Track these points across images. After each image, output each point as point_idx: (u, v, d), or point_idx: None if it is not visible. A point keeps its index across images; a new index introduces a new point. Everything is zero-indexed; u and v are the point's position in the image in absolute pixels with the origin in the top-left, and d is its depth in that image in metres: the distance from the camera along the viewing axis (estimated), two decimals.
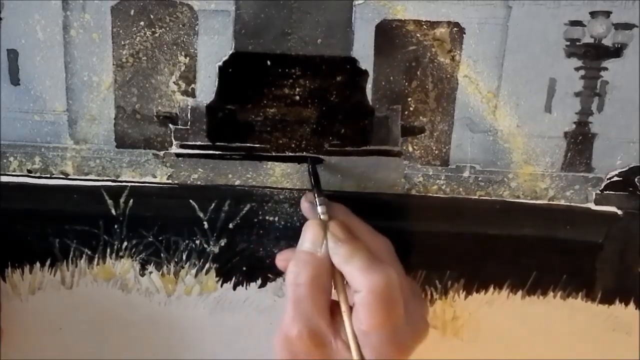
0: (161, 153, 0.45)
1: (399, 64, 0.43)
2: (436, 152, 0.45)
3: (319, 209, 0.41)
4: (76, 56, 0.44)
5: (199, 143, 0.45)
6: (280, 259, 0.45)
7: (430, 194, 0.45)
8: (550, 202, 0.45)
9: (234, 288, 0.48)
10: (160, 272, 0.48)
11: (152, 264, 0.48)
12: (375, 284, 0.38)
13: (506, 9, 0.42)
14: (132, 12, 0.43)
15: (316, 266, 0.39)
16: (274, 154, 0.45)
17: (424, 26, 0.43)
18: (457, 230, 0.46)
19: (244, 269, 0.48)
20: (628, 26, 0.42)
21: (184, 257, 0.47)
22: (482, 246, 0.46)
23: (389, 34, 0.43)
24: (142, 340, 0.49)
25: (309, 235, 0.40)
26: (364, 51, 0.43)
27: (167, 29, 0.43)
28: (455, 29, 0.43)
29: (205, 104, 0.44)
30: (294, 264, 0.40)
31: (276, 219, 0.46)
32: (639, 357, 0.48)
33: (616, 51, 0.42)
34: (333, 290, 0.40)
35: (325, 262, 0.40)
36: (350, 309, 0.39)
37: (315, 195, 0.42)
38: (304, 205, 0.43)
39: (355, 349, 0.39)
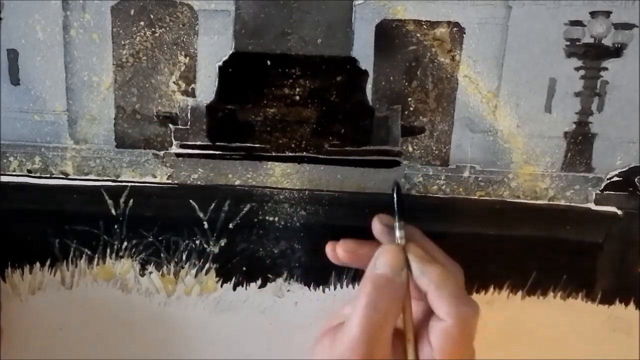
0: (161, 153, 0.45)
1: (399, 64, 0.43)
2: (436, 152, 0.45)
3: (398, 233, 0.40)
4: (76, 56, 0.44)
5: (199, 143, 0.45)
6: (344, 249, 0.42)
7: (430, 194, 0.45)
8: (550, 202, 0.45)
9: (234, 288, 0.48)
10: (160, 272, 0.48)
11: (152, 264, 0.48)
12: (466, 317, 0.37)
13: (506, 9, 0.42)
14: (132, 12, 0.43)
15: (395, 294, 0.38)
16: (274, 154, 0.45)
17: (424, 26, 0.43)
18: (457, 230, 0.46)
19: (244, 269, 0.48)
20: (628, 26, 0.42)
21: (184, 257, 0.47)
22: (482, 246, 0.46)
23: (389, 34, 0.43)
24: (142, 340, 0.49)
25: (388, 260, 0.39)
26: (364, 51, 0.43)
27: (167, 29, 0.43)
28: (455, 29, 0.43)
29: (205, 104, 0.44)
30: (372, 288, 0.38)
31: (276, 219, 0.46)
32: (639, 357, 0.48)
33: (616, 51, 0.42)
34: None
35: (403, 289, 0.39)
36: (415, 337, 0.39)
37: (397, 219, 0.40)
38: (377, 227, 0.41)
39: None
